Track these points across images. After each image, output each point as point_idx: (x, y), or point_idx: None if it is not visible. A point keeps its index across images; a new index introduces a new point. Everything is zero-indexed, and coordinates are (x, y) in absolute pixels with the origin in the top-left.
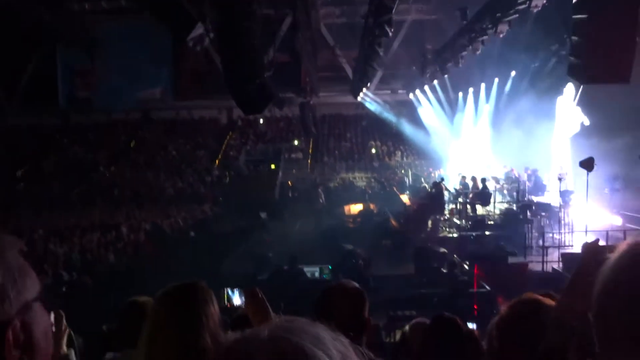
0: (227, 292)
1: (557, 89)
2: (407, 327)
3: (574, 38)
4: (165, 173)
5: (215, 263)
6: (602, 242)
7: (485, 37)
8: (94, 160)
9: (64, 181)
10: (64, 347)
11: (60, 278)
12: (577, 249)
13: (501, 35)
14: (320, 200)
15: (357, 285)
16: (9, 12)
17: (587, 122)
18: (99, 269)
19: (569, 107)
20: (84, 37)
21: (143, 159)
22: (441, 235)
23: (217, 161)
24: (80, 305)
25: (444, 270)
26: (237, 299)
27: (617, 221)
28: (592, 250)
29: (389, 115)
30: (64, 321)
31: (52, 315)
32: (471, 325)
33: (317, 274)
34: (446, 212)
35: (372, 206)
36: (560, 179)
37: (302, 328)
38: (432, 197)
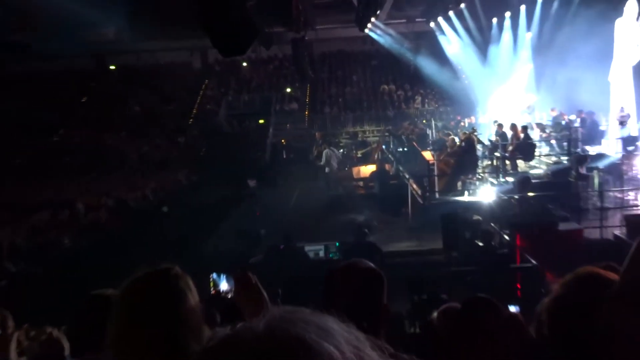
0: (213, 277)
1: (616, 9)
2: (434, 315)
3: None
4: (127, 134)
5: (195, 243)
6: None
7: None
8: (36, 120)
9: None
10: (13, 354)
11: (3, 270)
12: None
13: None
14: (326, 165)
15: (371, 264)
16: None
17: None
18: (51, 257)
19: (630, 30)
20: None
21: (98, 117)
22: (474, 199)
23: (191, 117)
24: (30, 302)
25: (479, 243)
26: (224, 285)
27: None
28: None
29: (405, 51)
30: (11, 322)
31: None
32: (514, 309)
33: (321, 253)
34: (480, 170)
35: (387, 166)
36: (621, 123)
37: (305, 319)
38: (462, 153)
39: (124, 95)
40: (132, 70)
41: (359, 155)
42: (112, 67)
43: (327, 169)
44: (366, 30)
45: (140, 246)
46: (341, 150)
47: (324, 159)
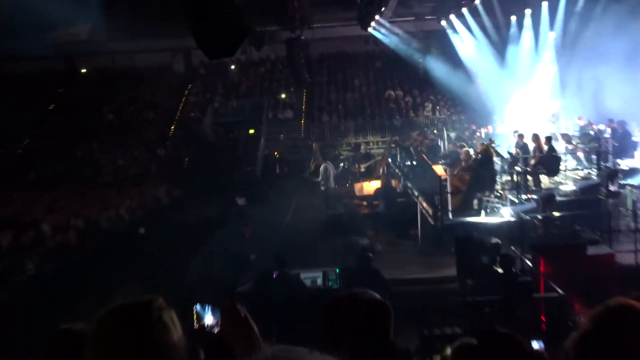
0: (196, 309)
1: None
2: (447, 351)
3: None
4: (100, 145)
5: (176, 270)
6: None
7: None
8: None
9: None
10: None
11: None
12: None
13: None
14: (323, 182)
15: (376, 295)
16: None
17: None
18: (13, 284)
19: None
20: None
21: (67, 126)
22: (492, 219)
23: (172, 126)
24: None
25: (498, 269)
26: (209, 318)
27: None
28: None
29: (413, 52)
30: None
31: None
32: (537, 345)
33: (319, 281)
34: (498, 186)
35: (393, 182)
36: None
37: (302, 359)
38: (478, 167)
39: (98, 101)
40: (107, 74)
41: (362, 169)
42: (84, 71)
43: (322, 186)
44: (369, 29)
45: (114, 273)
46: (342, 164)
47: (321, 175)
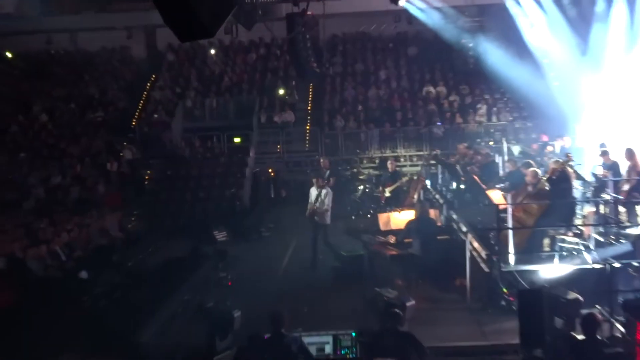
0: None
1: None
2: None
3: None
4: (28, 156)
5: (129, 331)
6: None
7: None
8: None
9: None
10: None
11: None
12: None
13: None
14: (311, 213)
15: None
16: None
17: None
18: None
19: None
20: None
21: None
22: (569, 266)
23: (128, 133)
24: None
25: (577, 336)
26: None
27: None
28: None
29: (462, 35)
30: None
31: None
32: None
33: (328, 349)
34: (578, 220)
35: (432, 213)
36: None
37: None
38: (551, 194)
39: (26, 97)
40: (40, 60)
41: (387, 194)
42: (9, 55)
43: (316, 218)
44: (401, 3)
45: (44, 334)
46: (360, 187)
47: (314, 202)
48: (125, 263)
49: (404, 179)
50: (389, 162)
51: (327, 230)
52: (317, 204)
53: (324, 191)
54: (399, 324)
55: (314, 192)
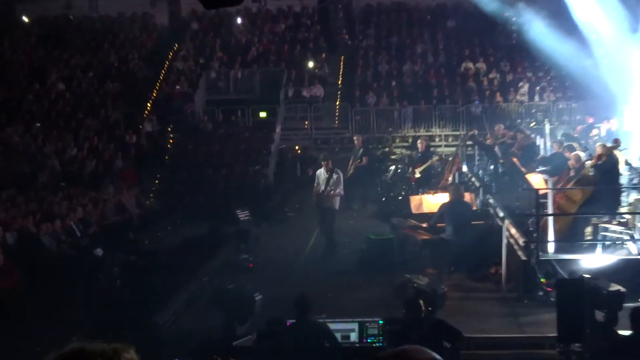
0: None
1: None
2: None
3: None
4: (42, 128)
5: (147, 312)
6: None
7: None
8: None
9: None
10: None
11: None
12: None
13: None
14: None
15: (437, 356)
16: None
17: None
18: None
19: None
20: None
21: None
22: (612, 256)
23: (148, 104)
24: None
25: (621, 332)
26: None
27: None
28: None
29: (504, 8)
30: None
31: None
32: None
33: (354, 336)
34: (624, 208)
35: (467, 197)
36: None
37: None
38: (597, 180)
39: (42, 64)
40: (58, 26)
41: (417, 174)
42: (26, 20)
43: (317, 203)
44: None
45: (58, 309)
46: (392, 168)
47: (319, 184)
48: (142, 241)
49: (435, 159)
50: (419, 140)
51: (334, 216)
52: (327, 188)
53: (335, 175)
54: (429, 311)
55: (322, 175)
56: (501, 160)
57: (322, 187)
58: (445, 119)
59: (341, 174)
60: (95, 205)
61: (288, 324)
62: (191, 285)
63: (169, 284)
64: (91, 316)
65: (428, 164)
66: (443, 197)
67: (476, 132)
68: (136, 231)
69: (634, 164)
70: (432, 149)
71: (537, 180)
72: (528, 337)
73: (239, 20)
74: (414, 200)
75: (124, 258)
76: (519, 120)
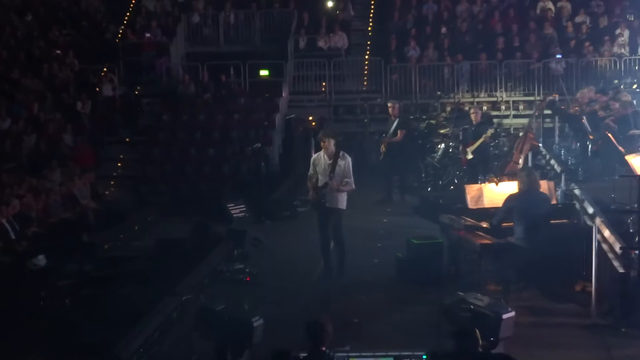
0: None
1: None
2: None
3: None
4: None
5: (106, 340)
6: None
7: None
8: None
9: None
10: None
11: None
12: None
13: None
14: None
15: None
16: None
17: None
18: None
19: None
20: None
21: None
22: None
23: (107, 60)
24: None
25: None
26: None
27: None
28: None
29: None
30: None
31: None
32: None
33: None
34: None
35: (545, 186)
36: None
37: None
38: None
39: None
40: None
41: (468, 155)
42: None
43: (324, 201)
44: None
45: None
46: (441, 146)
47: (314, 173)
48: (100, 245)
49: (489, 132)
50: (472, 110)
51: (341, 219)
52: (331, 181)
53: (341, 162)
54: (490, 344)
55: (321, 162)
56: (591, 137)
57: (322, 179)
58: (514, 80)
59: (349, 159)
60: (36, 197)
61: (300, 357)
62: (168, 305)
63: (137, 304)
64: (34, 344)
65: (482, 139)
66: (511, 187)
67: (557, 97)
68: (92, 232)
69: None
70: (495, 119)
71: (638, 162)
72: None
73: None
74: (471, 190)
75: (75, 268)
76: (615, 81)
